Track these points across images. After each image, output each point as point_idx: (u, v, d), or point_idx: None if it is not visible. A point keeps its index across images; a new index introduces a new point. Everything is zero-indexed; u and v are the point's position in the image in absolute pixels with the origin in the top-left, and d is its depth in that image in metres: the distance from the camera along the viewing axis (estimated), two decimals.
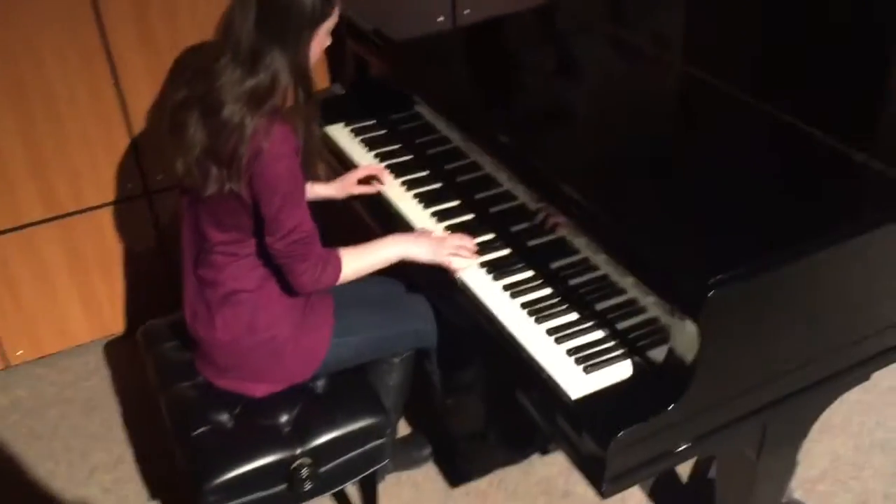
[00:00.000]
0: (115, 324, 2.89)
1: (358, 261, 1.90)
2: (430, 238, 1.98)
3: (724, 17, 2.44)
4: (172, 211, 2.74)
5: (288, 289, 1.89)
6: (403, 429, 2.48)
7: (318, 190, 2.21)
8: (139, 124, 2.61)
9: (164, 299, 2.81)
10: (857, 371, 1.78)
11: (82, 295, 2.78)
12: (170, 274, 2.82)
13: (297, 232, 1.76)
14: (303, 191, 1.79)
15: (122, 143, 2.61)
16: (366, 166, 2.27)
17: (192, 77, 1.79)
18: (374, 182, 2.24)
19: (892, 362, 1.84)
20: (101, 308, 2.84)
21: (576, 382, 1.65)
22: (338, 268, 1.85)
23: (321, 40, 1.78)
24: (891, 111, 2.01)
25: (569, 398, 1.63)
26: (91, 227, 2.68)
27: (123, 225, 2.73)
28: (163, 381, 2.04)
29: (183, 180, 1.80)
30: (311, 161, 1.83)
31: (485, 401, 2.25)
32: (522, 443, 2.41)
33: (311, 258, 1.80)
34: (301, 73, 1.73)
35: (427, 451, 2.41)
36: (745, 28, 2.34)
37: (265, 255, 1.85)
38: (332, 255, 1.85)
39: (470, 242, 1.96)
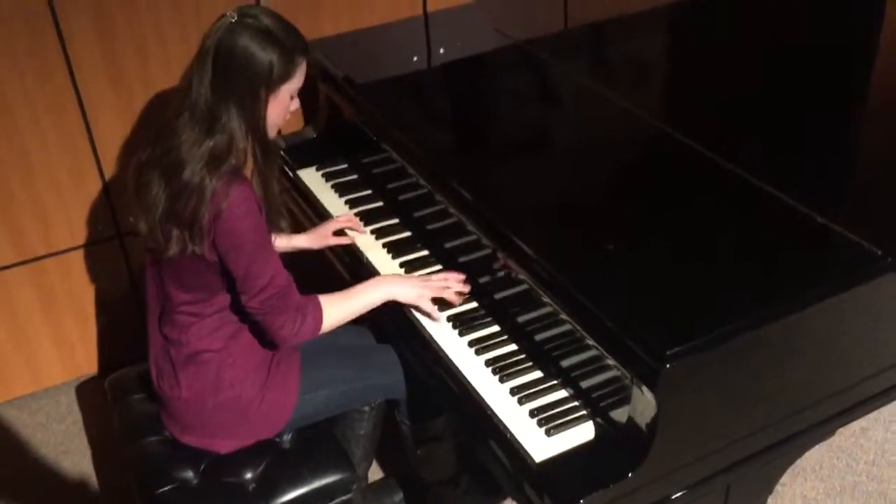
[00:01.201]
0: (88, 364, 2.87)
1: (340, 307, 1.86)
2: (414, 279, 1.97)
3: (693, 76, 2.46)
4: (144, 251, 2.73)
5: (254, 346, 1.88)
6: (375, 473, 2.47)
7: (293, 241, 2.20)
8: (110, 166, 2.60)
9: (137, 338, 2.78)
10: (820, 429, 1.78)
11: (54, 336, 2.76)
12: (143, 313, 2.80)
13: (271, 287, 1.74)
14: (270, 245, 1.77)
15: (93, 185, 2.60)
16: (340, 217, 2.26)
17: (154, 136, 1.79)
18: (349, 232, 2.23)
19: (856, 418, 1.85)
20: (74, 349, 2.82)
21: (538, 445, 1.64)
22: (318, 316, 1.81)
23: (282, 102, 1.76)
24: (850, 173, 2.02)
25: (532, 461, 1.63)
26: (62, 269, 2.67)
27: (95, 267, 2.71)
28: (128, 435, 2.03)
29: (146, 241, 1.79)
30: (273, 219, 1.82)
31: (456, 449, 2.24)
32: (494, 488, 2.40)
33: (288, 310, 1.77)
34: (258, 134, 1.72)
35: (398, 496, 2.40)
36: (713, 87, 2.36)
37: (229, 314, 1.85)
38: (310, 302, 1.82)
39: (453, 280, 1.94)
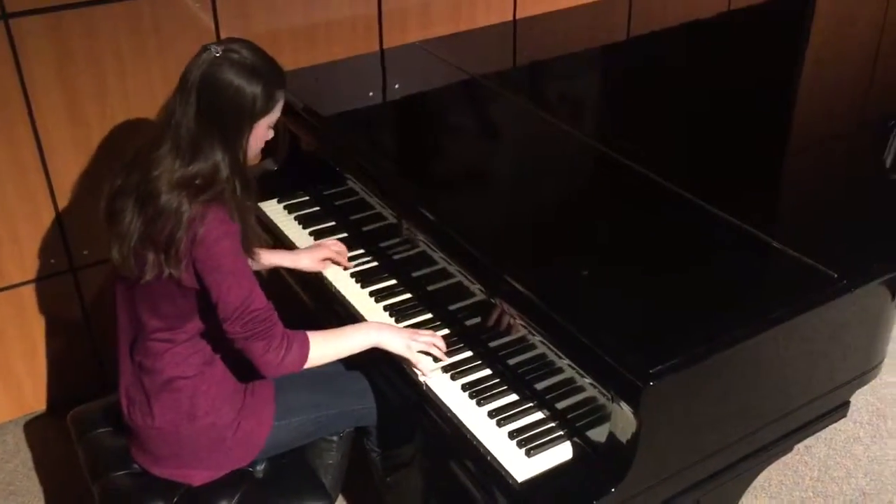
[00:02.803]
0: (37, 401, 2.79)
1: (327, 345, 1.84)
2: (404, 330, 1.95)
3: (652, 106, 2.58)
4: (98, 286, 2.69)
5: (228, 373, 1.88)
6: None
7: (274, 259, 2.20)
8: (64, 198, 2.56)
9: (89, 374, 2.76)
10: (784, 442, 1.88)
11: (1, 372, 2.69)
12: (95, 349, 2.77)
13: (251, 310, 1.73)
14: (247, 269, 1.77)
15: (47, 218, 2.56)
16: (330, 244, 2.25)
17: (128, 165, 1.79)
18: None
19: (815, 432, 1.96)
20: (21, 385, 2.74)
21: (519, 465, 1.69)
22: (304, 348, 1.80)
23: (261, 134, 1.80)
24: (802, 200, 2.14)
25: (514, 481, 1.66)
26: (13, 304, 2.60)
27: (47, 301, 2.66)
28: (96, 470, 1.98)
29: (120, 269, 1.78)
30: (248, 247, 1.83)
31: (425, 476, 2.26)
32: None
33: (272, 337, 1.75)
34: (237, 166, 1.75)
35: None
36: (665, 120, 2.48)
37: (203, 341, 1.85)
38: (297, 335, 1.81)
39: (441, 342, 1.94)
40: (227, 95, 1.69)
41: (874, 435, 2.78)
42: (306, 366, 1.83)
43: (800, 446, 2.72)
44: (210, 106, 1.69)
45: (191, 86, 1.69)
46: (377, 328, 1.93)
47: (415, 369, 1.91)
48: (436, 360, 1.92)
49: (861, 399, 2.94)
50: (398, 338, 1.91)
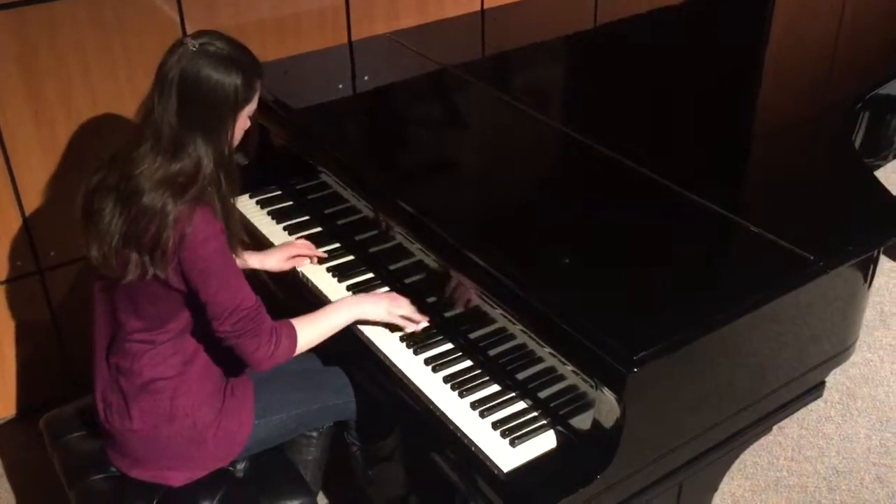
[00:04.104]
0: (6, 407, 2.74)
1: (313, 328, 1.86)
2: (384, 297, 1.99)
3: (622, 92, 2.58)
4: (66, 287, 2.64)
5: (208, 372, 1.86)
6: (320, 500, 2.45)
7: (265, 263, 2.19)
8: (30, 199, 2.51)
9: (59, 377, 2.72)
10: (764, 423, 1.90)
11: None
12: (64, 351, 2.72)
13: (241, 309, 1.73)
14: (236, 268, 1.76)
15: (13, 219, 2.51)
16: (298, 242, 2.25)
17: (106, 163, 1.76)
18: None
19: (794, 412, 1.99)
20: None
21: (504, 456, 1.68)
22: (293, 339, 1.81)
23: (242, 123, 1.78)
24: (776, 185, 2.17)
25: (500, 471, 1.66)
26: None
27: (14, 304, 2.60)
28: (72, 475, 1.95)
29: (99, 268, 1.75)
30: (233, 245, 1.81)
31: (406, 468, 2.26)
32: None
33: (261, 333, 1.76)
34: (223, 158, 1.73)
35: None
36: (641, 105, 2.49)
37: (183, 341, 1.82)
38: (284, 326, 1.82)
39: (417, 313, 1.98)
40: (209, 90, 1.67)
41: (844, 413, 2.83)
42: (297, 353, 1.84)
43: (773, 427, 2.77)
44: (192, 102, 1.67)
45: (170, 82, 1.66)
46: (356, 302, 1.95)
47: (406, 328, 1.96)
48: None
49: (830, 379, 2.96)
50: (379, 307, 1.94)
